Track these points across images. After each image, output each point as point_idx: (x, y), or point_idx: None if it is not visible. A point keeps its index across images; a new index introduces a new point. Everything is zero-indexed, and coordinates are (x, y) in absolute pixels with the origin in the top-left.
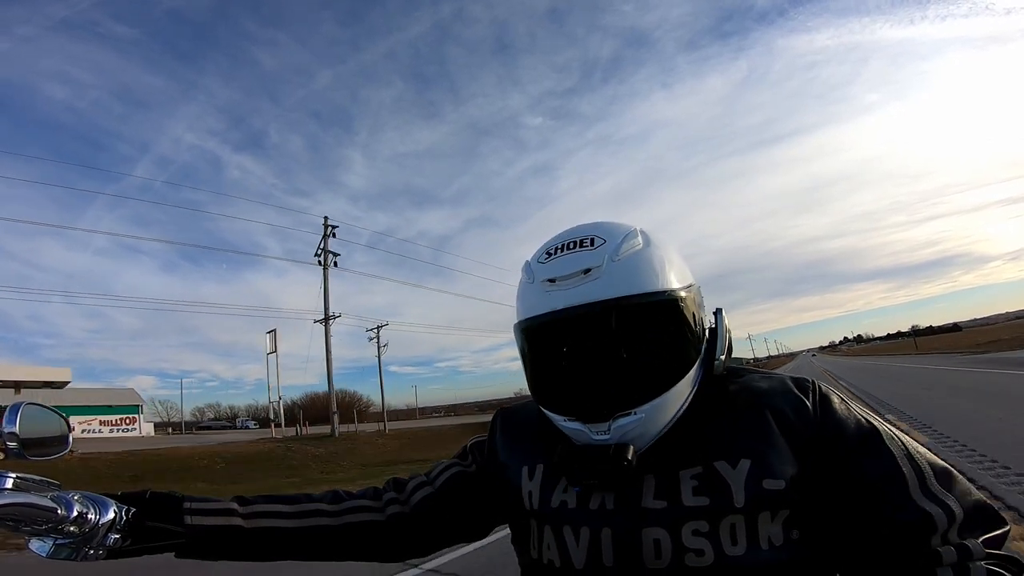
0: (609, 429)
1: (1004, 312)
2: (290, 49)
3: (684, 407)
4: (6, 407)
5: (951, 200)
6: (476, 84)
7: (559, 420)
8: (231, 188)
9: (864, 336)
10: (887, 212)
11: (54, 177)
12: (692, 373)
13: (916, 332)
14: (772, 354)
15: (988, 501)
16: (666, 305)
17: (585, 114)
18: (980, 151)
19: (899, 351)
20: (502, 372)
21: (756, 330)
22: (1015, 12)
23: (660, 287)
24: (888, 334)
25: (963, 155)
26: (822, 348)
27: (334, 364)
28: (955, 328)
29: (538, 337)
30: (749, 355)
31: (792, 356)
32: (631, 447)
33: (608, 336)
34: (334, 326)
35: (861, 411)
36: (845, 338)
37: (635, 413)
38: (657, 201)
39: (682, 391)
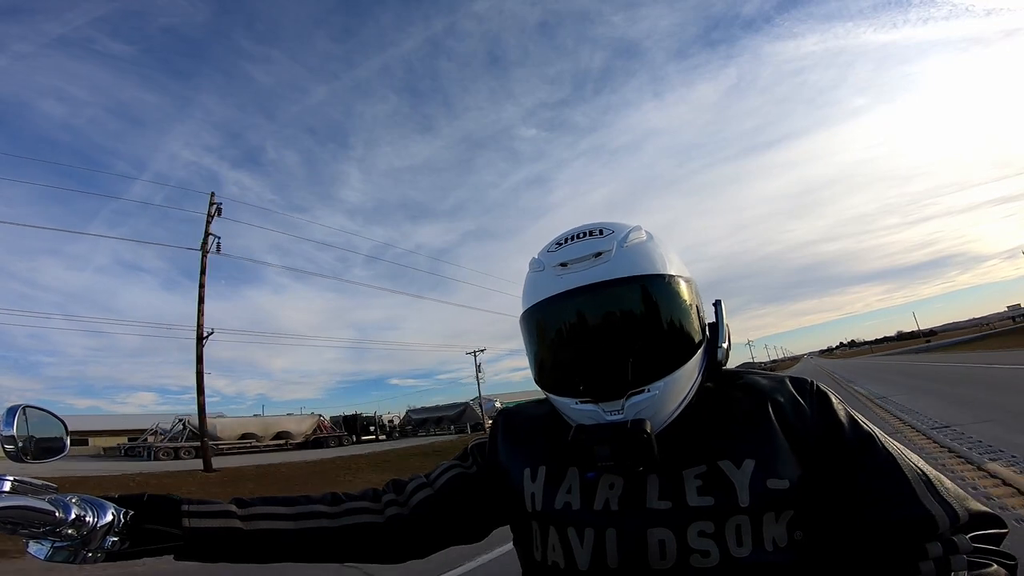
0: (623, 408)
1: (1001, 311)
2: (285, 66)
3: (691, 393)
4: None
5: (943, 201)
6: (470, 97)
7: (569, 403)
8: (229, 204)
9: (856, 341)
10: (880, 214)
11: (52, 195)
12: (698, 357)
13: (900, 336)
14: (774, 358)
15: (985, 507)
16: (675, 285)
17: (578, 125)
18: (969, 152)
19: (867, 353)
20: (504, 383)
21: (755, 335)
22: (995, 13)
23: (667, 271)
24: (876, 339)
25: (952, 156)
26: (821, 352)
27: (332, 379)
28: (931, 333)
29: (550, 318)
30: (749, 361)
31: (796, 359)
32: (648, 421)
33: (622, 312)
34: (330, 340)
35: (858, 415)
36: (840, 343)
37: (648, 390)
38: (652, 209)
39: (691, 373)
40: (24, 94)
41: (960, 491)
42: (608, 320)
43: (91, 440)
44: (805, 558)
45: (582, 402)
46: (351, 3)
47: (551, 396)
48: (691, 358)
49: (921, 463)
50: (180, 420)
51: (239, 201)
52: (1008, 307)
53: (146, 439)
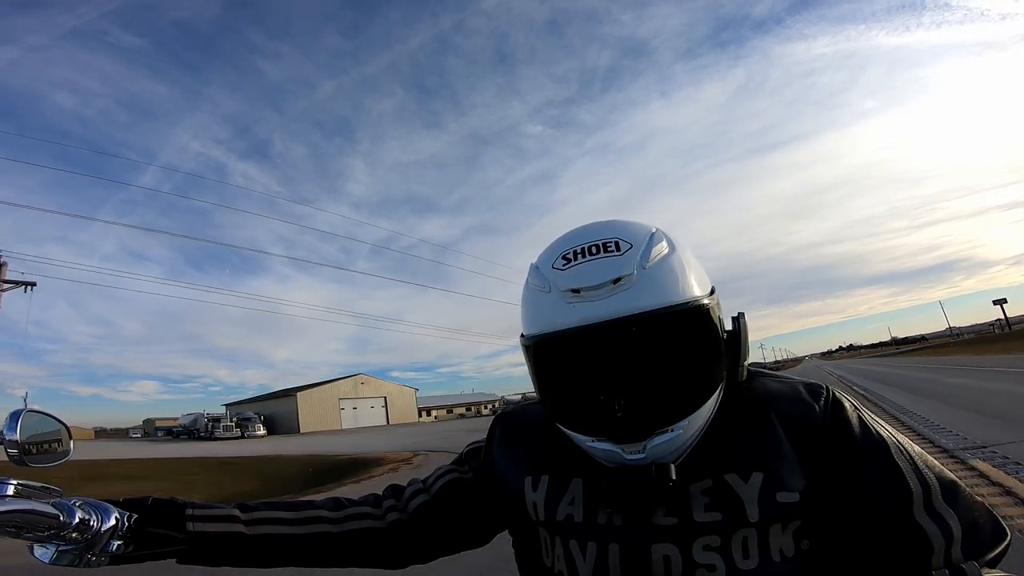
0: (644, 449)
1: (1001, 318)
2: (294, 60)
3: (710, 421)
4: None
5: (950, 205)
6: (477, 94)
7: (586, 440)
8: (236, 196)
9: (854, 345)
10: (887, 217)
11: (62, 184)
12: (721, 383)
13: (894, 341)
14: (778, 359)
15: (991, 513)
16: (701, 315)
17: (584, 123)
18: (978, 156)
19: (858, 356)
20: (505, 378)
21: (758, 335)
22: (1010, 18)
23: (692, 296)
24: (871, 343)
25: (961, 160)
26: (822, 354)
27: (333, 371)
28: (922, 339)
29: (564, 353)
30: (758, 361)
31: (798, 360)
32: (672, 466)
33: (646, 351)
34: (332, 331)
35: (873, 420)
36: (840, 346)
37: (672, 430)
38: (656, 208)
39: (712, 401)
40: (37, 86)
41: (972, 502)
42: (631, 360)
43: (454, 410)
44: (812, 567)
45: (598, 440)
46: None
47: (564, 430)
48: (717, 388)
49: (937, 471)
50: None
51: (246, 191)
52: (948, 327)
53: (498, 404)
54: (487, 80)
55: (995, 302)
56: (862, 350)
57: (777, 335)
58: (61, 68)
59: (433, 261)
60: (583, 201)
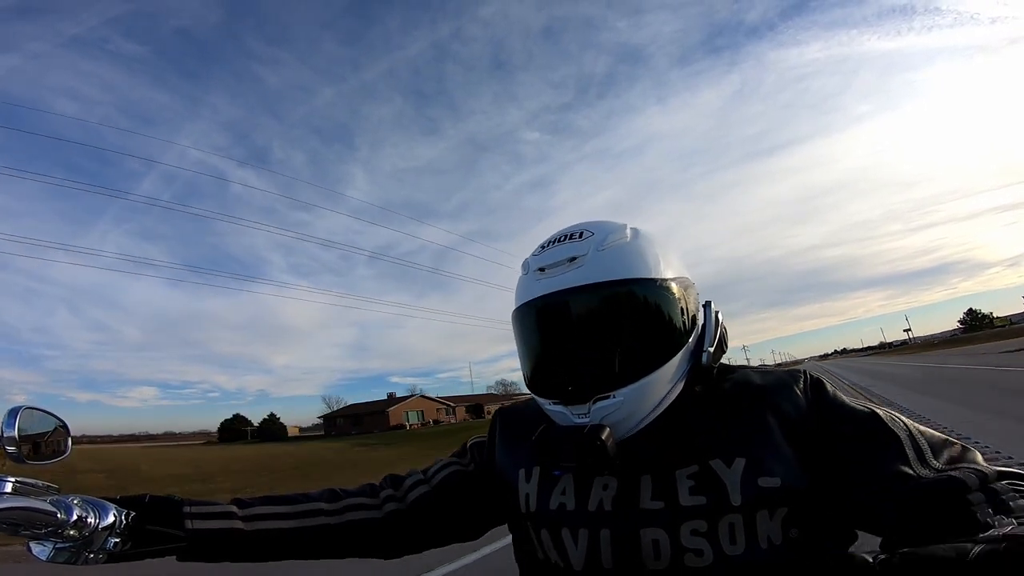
0: (589, 411)
1: (1002, 316)
2: (293, 67)
3: (670, 398)
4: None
5: (946, 208)
6: (474, 101)
7: (545, 404)
8: (234, 203)
9: (847, 348)
10: (883, 220)
11: (61, 192)
12: (676, 362)
13: (882, 346)
14: (778, 362)
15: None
16: (646, 290)
17: (582, 128)
18: (972, 160)
19: (846, 358)
20: (503, 382)
21: (757, 339)
22: (1000, 21)
23: (642, 275)
24: (862, 347)
25: (955, 163)
26: (819, 357)
27: (333, 376)
28: (900, 344)
29: (525, 321)
30: (764, 362)
31: (798, 363)
32: (606, 428)
33: (587, 318)
34: (332, 337)
35: (854, 400)
36: (835, 350)
37: (614, 396)
38: (654, 212)
39: (665, 378)
40: (38, 92)
41: (979, 459)
42: (574, 326)
43: None
44: (801, 556)
45: (554, 403)
46: (359, 7)
47: (533, 395)
48: (664, 364)
49: (925, 437)
50: None
51: (245, 200)
52: (881, 342)
53: None
54: (484, 87)
55: (904, 330)
56: (852, 353)
57: (776, 338)
58: (62, 75)
59: (433, 264)
60: (581, 205)
